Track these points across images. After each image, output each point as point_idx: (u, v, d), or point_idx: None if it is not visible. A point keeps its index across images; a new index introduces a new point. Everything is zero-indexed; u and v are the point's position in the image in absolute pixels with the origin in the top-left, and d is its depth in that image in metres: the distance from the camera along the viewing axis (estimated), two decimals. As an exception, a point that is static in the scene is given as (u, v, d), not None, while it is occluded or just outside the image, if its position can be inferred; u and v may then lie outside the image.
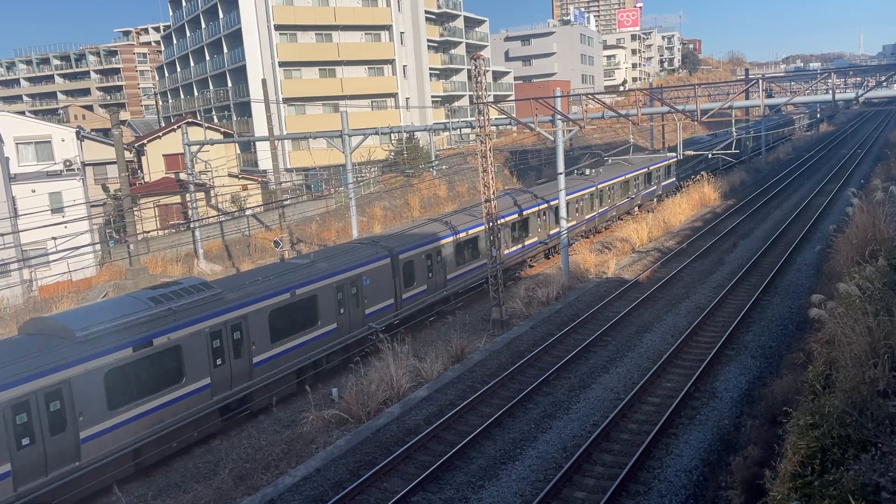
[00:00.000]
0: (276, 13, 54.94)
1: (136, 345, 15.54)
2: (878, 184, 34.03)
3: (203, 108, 64.89)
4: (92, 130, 62.35)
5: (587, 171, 39.59)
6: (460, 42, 74.89)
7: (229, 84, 59.89)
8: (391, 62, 60.22)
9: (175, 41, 72.20)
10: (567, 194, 29.36)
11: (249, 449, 16.64)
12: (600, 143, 65.17)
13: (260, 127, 52.49)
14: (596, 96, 30.74)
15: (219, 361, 17.47)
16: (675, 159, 46.83)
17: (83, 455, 14.50)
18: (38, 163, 35.66)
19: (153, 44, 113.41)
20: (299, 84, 56.76)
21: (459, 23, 75.28)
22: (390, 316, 23.37)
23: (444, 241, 26.45)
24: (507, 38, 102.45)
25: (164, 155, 47.77)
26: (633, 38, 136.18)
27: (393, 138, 54.26)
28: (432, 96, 66.82)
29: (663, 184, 47.37)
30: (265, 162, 48.24)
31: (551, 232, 33.08)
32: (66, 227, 30.17)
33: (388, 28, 60.02)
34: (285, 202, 37.75)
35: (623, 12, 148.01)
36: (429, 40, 66.78)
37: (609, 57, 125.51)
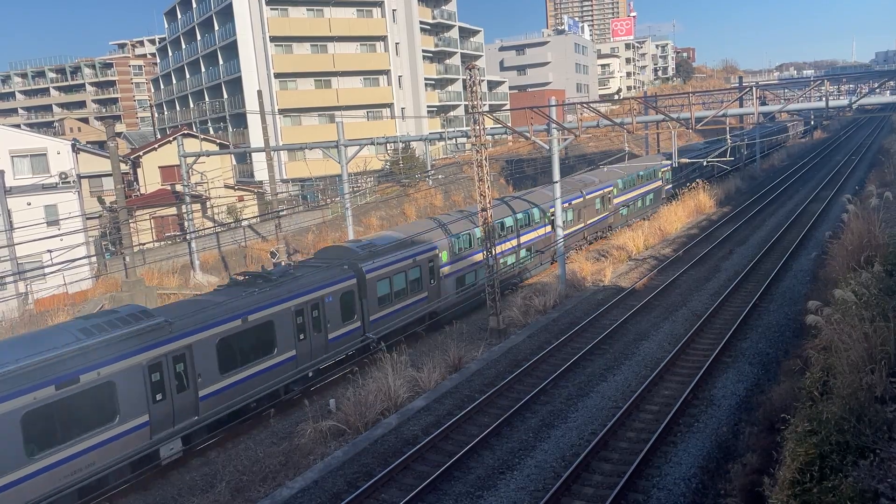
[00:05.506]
0: (271, 25, 55.10)
1: (58, 383, 14.24)
2: (873, 190, 34.21)
3: (199, 119, 64.95)
4: (87, 143, 62.28)
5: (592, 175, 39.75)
6: (455, 52, 75.17)
7: (225, 95, 59.97)
8: (386, 72, 60.41)
9: (170, 53, 72.33)
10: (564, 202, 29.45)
11: (246, 461, 16.57)
12: (595, 151, 65.36)
13: (256, 138, 52.52)
14: (590, 105, 30.83)
15: (159, 397, 16.18)
16: (671, 166, 46.93)
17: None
18: (33, 176, 35.61)
19: (149, 56, 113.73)
20: (295, 95, 56.86)
21: (454, 33, 75.58)
22: (358, 341, 22.20)
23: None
24: (502, 48, 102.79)
25: (159, 167, 47.76)
26: (627, 47, 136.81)
27: (389, 148, 54.36)
28: (428, 106, 66.98)
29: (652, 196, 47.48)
30: (261, 173, 48.21)
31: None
32: (61, 240, 30.10)
33: (383, 39, 60.21)
34: (281, 213, 37.71)
35: (617, 21, 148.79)
36: (424, 51, 67.00)
37: (603, 66, 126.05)
